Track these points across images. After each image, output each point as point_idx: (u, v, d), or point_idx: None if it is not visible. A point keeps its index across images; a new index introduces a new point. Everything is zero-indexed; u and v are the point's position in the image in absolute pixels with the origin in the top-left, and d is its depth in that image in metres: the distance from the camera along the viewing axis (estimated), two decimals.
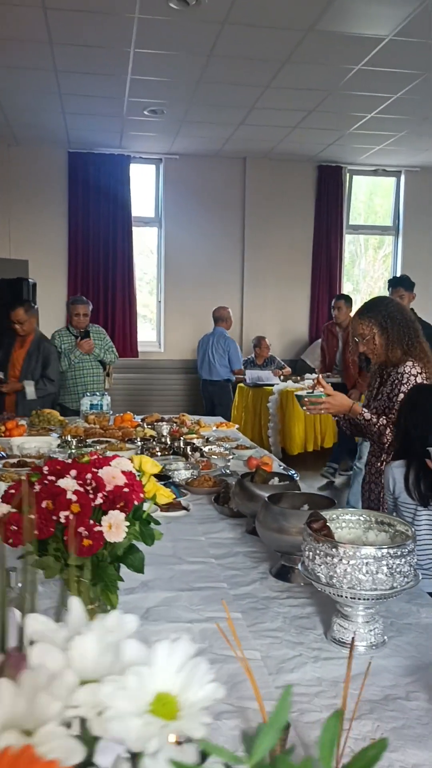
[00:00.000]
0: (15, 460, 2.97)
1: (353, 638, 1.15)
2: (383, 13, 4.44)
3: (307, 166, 8.46)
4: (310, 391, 2.48)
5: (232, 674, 1.30)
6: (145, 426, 3.88)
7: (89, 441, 3.40)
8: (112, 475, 1.23)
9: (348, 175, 8.70)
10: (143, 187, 8.41)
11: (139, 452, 3.25)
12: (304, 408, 2.50)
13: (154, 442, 3.43)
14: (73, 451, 3.10)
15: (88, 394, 4.46)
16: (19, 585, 1.55)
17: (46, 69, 5.48)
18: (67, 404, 5.01)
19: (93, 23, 4.64)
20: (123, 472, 1.25)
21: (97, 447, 3.21)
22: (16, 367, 4.67)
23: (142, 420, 4.10)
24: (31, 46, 5.03)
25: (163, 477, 2.74)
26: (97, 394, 4.48)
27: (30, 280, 6.06)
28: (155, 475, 2.72)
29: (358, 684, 1.29)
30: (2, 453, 3.09)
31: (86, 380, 4.96)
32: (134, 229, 8.16)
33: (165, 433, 3.72)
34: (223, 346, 6.73)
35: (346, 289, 9.25)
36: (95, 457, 1.30)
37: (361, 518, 1.58)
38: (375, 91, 5.83)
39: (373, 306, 2.60)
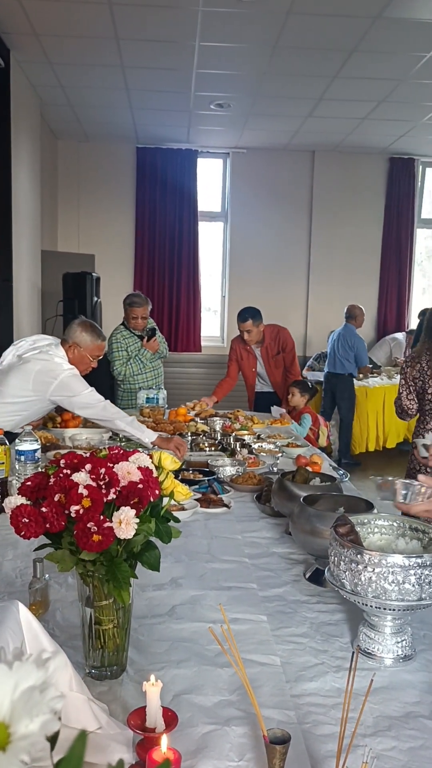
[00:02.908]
0: (65, 452, 3.01)
1: (355, 652, 1.09)
2: None
3: (378, 159, 8.25)
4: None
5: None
6: (198, 421, 3.87)
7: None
8: (127, 470, 1.21)
9: (421, 167, 8.45)
10: (210, 182, 8.41)
11: (188, 447, 3.24)
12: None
13: (204, 437, 3.42)
14: (123, 443, 3.12)
15: (144, 388, 4.48)
16: (46, 576, 1.57)
17: (113, 65, 5.54)
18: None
19: (158, 18, 4.65)
20: (139, 468, 1.23)
21: None
22: None
23: (196, 415, 4.09)
24: (98, 43, 5.10)
25: (208, 473, 2.72)
26: (153, 388, 4.50)
27: (94, 274, 6.15)
28: (199, 470, 2.71)
29: (378, 698, 1.23)
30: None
31: (156, 380, 4.75)
32: (200, 224, 8.18)
33: (218, 429, 3.70)
34: (349, 342, 6.76)
35: (420, 284, 8.99)
36: (115, 451, 1.28)
37: (395, 524, 1.51)
38: None
39: None
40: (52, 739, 0.39)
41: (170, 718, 1.06)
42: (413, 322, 8.13)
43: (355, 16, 4.53)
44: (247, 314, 4.75)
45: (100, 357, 3.30)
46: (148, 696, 1.04)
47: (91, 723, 0.97)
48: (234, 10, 4.48)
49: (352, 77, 5.64)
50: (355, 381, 6.79)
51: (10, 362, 3.15)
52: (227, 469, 2.75)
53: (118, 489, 1.19)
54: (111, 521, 1.14)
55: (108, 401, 3.10)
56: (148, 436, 3.04)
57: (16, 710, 0.36)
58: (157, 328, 4.84)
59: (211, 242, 8.52)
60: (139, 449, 1.36)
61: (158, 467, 1.32)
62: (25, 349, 3.17)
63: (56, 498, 1.16)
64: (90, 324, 3.26)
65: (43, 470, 1.28)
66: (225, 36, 4.92)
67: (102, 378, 5.80)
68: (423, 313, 3.74)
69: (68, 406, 3.13)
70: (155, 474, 1.26)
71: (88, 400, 3.05)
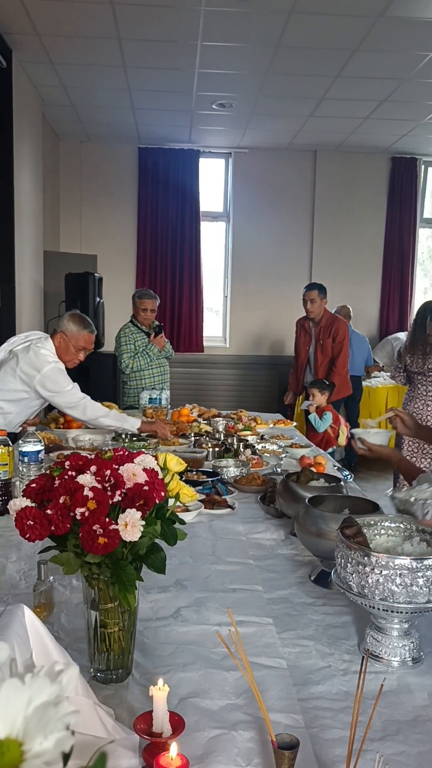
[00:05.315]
0: (68, 452, 3.00)
1: (365, 656, 1.08)
2: None
3: (380, 159, 8.23)
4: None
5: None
6: (201, 421, 3.86)
7: (143, 434, 3.41)
8: (133, 472, 1.20)
9: (423, 166, 8.42)
10: (212, 182, 8.39)
11: (191, 447, 3.24)
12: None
13: (207, 438, 3.40)
14: (126, 444, 3.11)
15: (147, 387, 4.47)
16: (51, 579, 1.56)
17: (115, 65, 5.53)
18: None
19: (160, 17, 4.64)
20: (144, 470, 1.21)
21: (150, 441, 3.21)
22: None
23: (199, 415, 4.08)
24: (100, 43, 5.09)
25: (212, 474, 2.71)
26: (156, 388, 4.49)
27: (96, 274, 6.14)
28: (203, 471, 2.70)
29: (386, 702, 1.22)
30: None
31: (162, 377, 4.79)
32: (202, 224, 8.16)
33: (220, 429, 3.69)
34: (355, 342, 6.66)
35: (422, 284, 8.97)
36: (120, 452, 1.27)
37: (401, 526, 1.49)
38: None
39: None
40: (66, 757, 0.37)
41: (177, 723, 1.05)
42: None
43: (357, 15, 4.52)
44: (315, 285, 5.11)
45: (88, 351, 3.32)
46: (155, 700, 1.03)
47: (98, 728, 0.96)
48: (236, 9, 4.47)
49: (355, 77, 5.62)
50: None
51: (2, 358, 3.20)
52: (231, 469, 2.74)
53: (124, 491, 1.18)
54: (117, 523, 1.13)
55: (88, 398, 3.14)
56: (133, 423, 3.09)
57: (30, 727, 0.35)
58: (162, 327, 4.90)
59: (213, 242, 8.50)
60: (144, 450, 1.35)
61: (163, 468, 1.31)
62: (17, 344, 3.22)
63: (61, 500, 1.15)
64: (79, 315, 3.33)
65: (47, 471, 1.27)
66: (227, 36, 4.91)
67: (106, 376, 5.81)
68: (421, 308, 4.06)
69: (56, 403, 3.16)
70: (161, 475, 1.25)
71: (70, 399, 3.10)
